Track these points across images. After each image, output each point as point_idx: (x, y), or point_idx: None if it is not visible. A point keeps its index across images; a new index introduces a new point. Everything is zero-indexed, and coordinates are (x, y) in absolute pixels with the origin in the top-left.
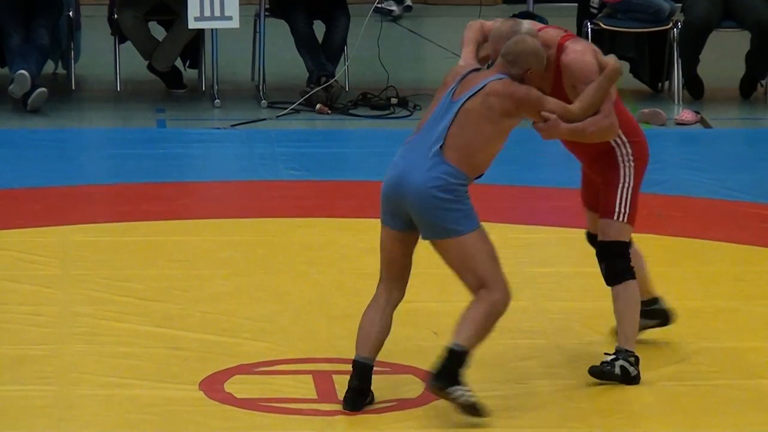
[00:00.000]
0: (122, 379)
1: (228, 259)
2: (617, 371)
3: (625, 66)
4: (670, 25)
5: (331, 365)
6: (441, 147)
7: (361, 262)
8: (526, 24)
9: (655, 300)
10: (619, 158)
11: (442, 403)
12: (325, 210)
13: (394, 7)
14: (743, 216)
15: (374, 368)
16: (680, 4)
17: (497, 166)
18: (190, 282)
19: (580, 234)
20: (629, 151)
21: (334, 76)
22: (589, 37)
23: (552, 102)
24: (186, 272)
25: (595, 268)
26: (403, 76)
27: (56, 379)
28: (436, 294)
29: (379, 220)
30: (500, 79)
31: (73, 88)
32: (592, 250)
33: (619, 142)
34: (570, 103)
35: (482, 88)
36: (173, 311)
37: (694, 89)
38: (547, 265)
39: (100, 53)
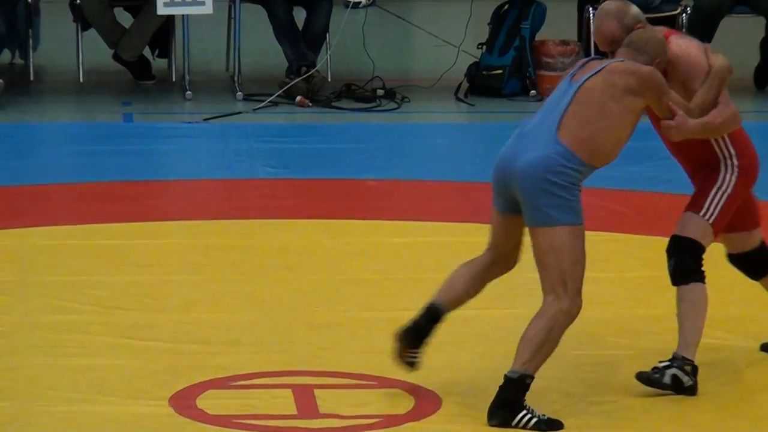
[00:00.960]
0: (85, 395)
1: (201, 264)
2: (667, 380)
3: None
4: (679, 10)
5: (313, 378)
6: (557, 128)
7: (344, 267)
8: (634, 7)
9: None
10: (722, 165)
11: (434, 418)
12: (306, 210)
13: None
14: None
15: (360, 383)
16: None
17: (491, 162)
18: (160, 289)
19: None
20: (735, 163)
21: (316, 66)
22: (591, 24)
23: (674, 94)
24: (155, 278)
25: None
26: (390, 66)
27: (13, 394)
28: (424, 301)
29: (366, 222)
30: (623, 61)
31: (32, 79)
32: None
33: (726, 154)
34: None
35: (604, 67)
36: (141, 320)
37: None
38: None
39: (62, 41)
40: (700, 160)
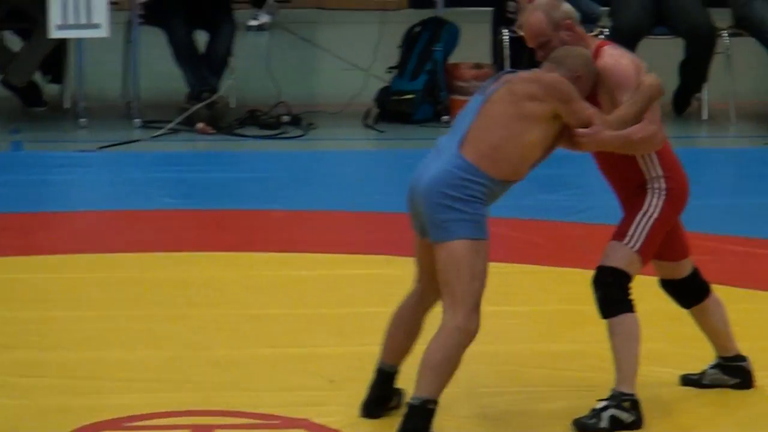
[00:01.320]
0: None
1: (94, 299)
2: (604, 424)
3: None
4: (597, 31)
5: (213, 418)
6: (460, 143)
7: (246, 302)
8: (567, 4)
9: (739, 357)
10: (650, 189)
11: None
12: (208, 243)
13: (265, 19)
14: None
15: (262, 422)
16: (607, 8)
17: (401, 192)
18: (49, 325)
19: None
20: (663, 186)
21: (218, 92)
22: (506, 46)
23: (588, 105)
24: (44, 314)
25: (525, 307)
26: (296, 91)
27: None
28: (331, 337)
29: (270, 254)
30: (533, 70)
31: None
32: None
33: (654, 175)
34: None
35: (512, 78)
36: (28, 358)
37: None
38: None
39: None
40: (627, 182)
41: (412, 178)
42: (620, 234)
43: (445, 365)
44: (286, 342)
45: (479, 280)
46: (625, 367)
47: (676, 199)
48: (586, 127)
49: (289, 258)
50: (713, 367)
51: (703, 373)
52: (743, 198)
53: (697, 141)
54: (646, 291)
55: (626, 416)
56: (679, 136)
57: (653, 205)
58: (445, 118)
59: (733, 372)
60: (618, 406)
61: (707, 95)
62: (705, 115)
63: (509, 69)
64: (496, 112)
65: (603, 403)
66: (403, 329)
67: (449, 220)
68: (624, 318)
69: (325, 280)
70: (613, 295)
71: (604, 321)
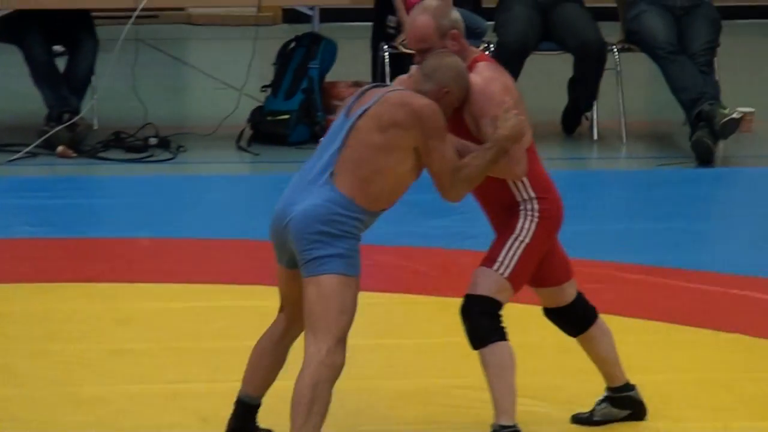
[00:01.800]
0: None
1: None
2: None
3: None
4: (482, 47)
5: None
6: (332, 172)
7: (113, 336)
8: (457, 13)
9: (628, 386)
10: (522, 211)
11: None
12: (69, 273)
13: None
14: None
15: None
16: (492, 23)
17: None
18: None
19: (376, 299)
20: (535, 207)
21: (80, 113)
22: (386, 63)
23: (449, 146)
24: None
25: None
26: (165, 112)
27: None
28: (204, 373)
29: (137, 285)
30: (398, 89)
31: None
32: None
33: (526, 196)
34: (465, 129)
35: (378, 99)
36: None
37: None
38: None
39: None
40: (498, 205)
41: (277, 206)
42: (489, 259)
43: (317, 405)
44: (156, 378)
45: (347, 314)
46: (501, 399)
47: (549, 222)
48: (440, 168)
49: (158, 289)
50: (602, 401)
51: (593, 410)
52: (635, 223)
53: (587, 162)
54: (534, 321)
55: None
56: (568, 158)
57: (525, 228)
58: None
59: (622, 403)
60: None
61: (597, 114)
62: (595, 135)
63: (373, 83)
64: (364, 142)
65: None
66: (267, 360)
67: (322, 257)
68: (495, 347)
69: (197, 312)
70: (482, 324)
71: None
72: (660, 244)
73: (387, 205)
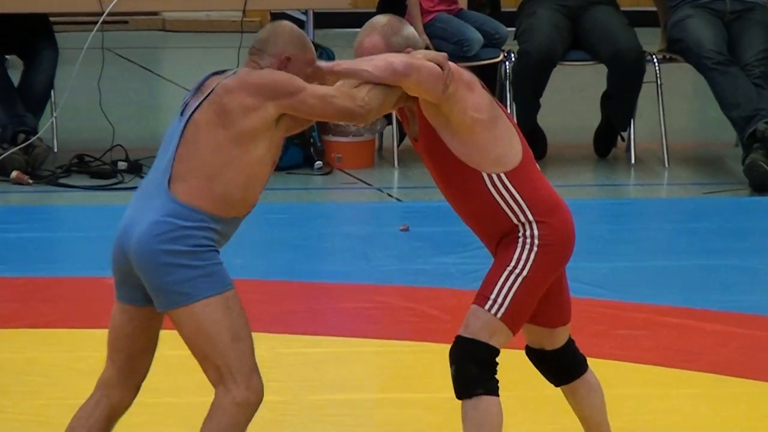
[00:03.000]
0: None
1: None
2: None
3: None
4: (501, 57)
5: None
6: (169, 180)
7: (76, 388)
8: (409, 27)
9: None
10: (520, 238)
11: None
12: (24, 318)
13: None
14: (598, 319)
15: None
16: (513, 29)
17: (263, 254)
18: None
19: (381, 347)
20: (535, 233)
21: (37, 133)
22: None
23: (317, 86)
24: None
25: (419, 394)
26: (135, 132)
27: None
28: (195, 387)
29: (98, 331)
30: (236, 72)
31: None
32: (416, 369)
33: (524, 220)
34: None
35: (214, 90)
36: None
37: (534, 145)
38: (338, 389)
39: None
40: (492, 231)
41: (117, 232)
42: (481, 297)
43: None
44: None
45: (243, 339)
46: None
47: (551, 249)
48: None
49: None
50: None
51: None
52: (679, 259)
53: (623, 190)
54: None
55: None
56: (602, 184)
57: (522, 259)
58: (318, 163)
59: None
60: None
61: (634, 134)
62: (633, 159)
63: (211, 72)
64: (206, 138)
65: None
66: None
67: (180, 282)
68: (479, 402)
69: (174, 362)
70: (469, 372)
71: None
72: (707, 284)
73: (242, 208)
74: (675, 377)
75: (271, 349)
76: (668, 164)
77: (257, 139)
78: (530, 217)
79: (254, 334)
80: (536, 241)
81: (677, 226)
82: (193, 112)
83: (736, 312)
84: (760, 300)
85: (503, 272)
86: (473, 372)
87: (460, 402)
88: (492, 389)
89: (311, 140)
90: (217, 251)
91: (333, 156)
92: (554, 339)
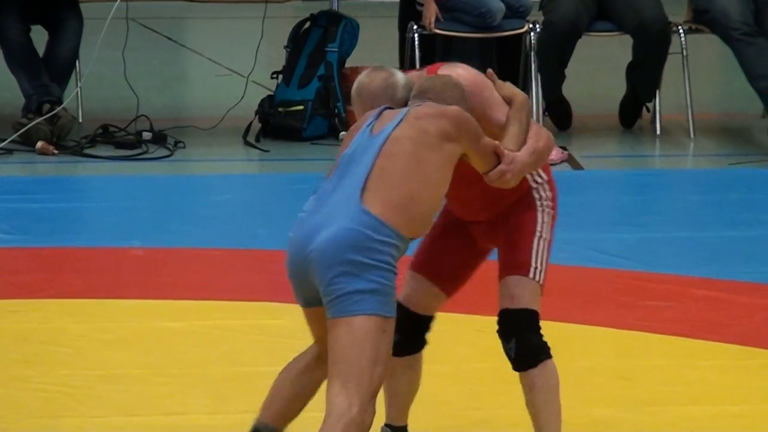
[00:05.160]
0: None
1: None
2: None
3: None
4: (525, 27)
5: None
6: (362, 192)
7: (100, 360)
8: (399, 73)
9: (405, 429)
10: (537, 201)
11: None
12: (50, 288)
13: None
14: (624, 290)
15: None
16: (537, 0)
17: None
18: None
19: None
20: (548, 194)
21: (62, 103)
22: (416, 46)
23: (486, 137)
24: None
25: (445, 366)
26: (160, 103)
27: None
28: (206, 402)
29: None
30: (424, 104)
31: None
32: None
33: (539, 180)
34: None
35: (406, 114)
36: None
37: (559, 115)
38: None
39: None
40: (504, 196)
41: (293, 237)
42: (522, 266)
43: None
44: (151, 409)
45: (382, 366)
46: (548, 425)
47: (555, 213)
48: (493, 164)
49: (153, 306)
50: None
51: None
52: (705, 231)
53: (649, 161)
54: (584, 344)
55: None
56: (627, 155)
57: (544, 223)
58: (343, 134)
59: None
60: None
61: (660, 105)
62: (658, 130)
63: (385, 106)
64: (407, 154)
65: None
66: (294, 388)
67: (354, 292)
68: (545, 367)
69: (198, 333)
70: (533, 342)
71: (522, 374)
72: (733, 255)
73: (423, 230)
74: (701, 348)
75: (294, 320)
76: (694, 135)
77: (448, 168)
78: (544, 177)
79: (278, 305)
80: (549, 203)
81: (703, 197)
82: (392, 131)
83: (763, 283)
84: None
85: (533, 238)
86: (535, 341)
87: (484, 372)
88: (550, 353)
89: (336, 111)
90: (395, 273)
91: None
92: (438, 304)
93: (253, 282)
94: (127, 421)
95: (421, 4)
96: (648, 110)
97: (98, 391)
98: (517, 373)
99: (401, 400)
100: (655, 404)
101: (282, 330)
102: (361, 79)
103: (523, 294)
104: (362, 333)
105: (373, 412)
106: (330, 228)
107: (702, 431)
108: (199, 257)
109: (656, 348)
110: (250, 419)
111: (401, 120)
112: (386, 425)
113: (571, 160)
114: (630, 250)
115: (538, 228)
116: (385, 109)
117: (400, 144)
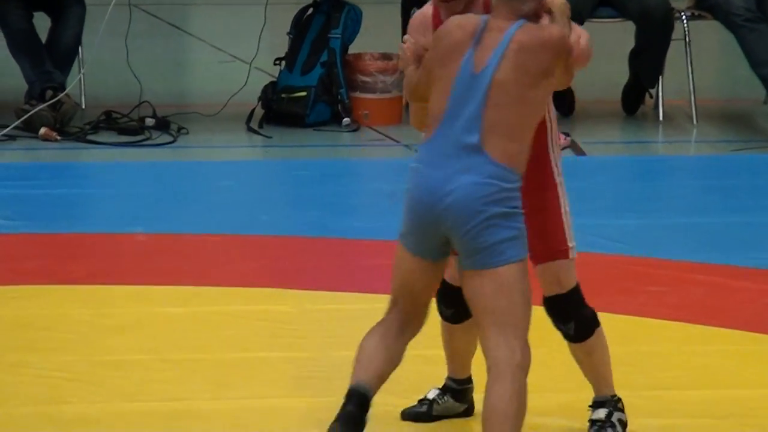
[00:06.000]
0: None
1: None
2: (620, 430)
3: None
4: None
5: None
6: (481, 141)
7: (103, 346)
8: None
9: (469, 380)
10: (557, 178)
11: None
12: (53, 274)
13: None
14: (625, 276)
15: None
16: None
17: (291, 210)
18: None
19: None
20: (560, 167)
21: (65, 89)
22: None
23: (565, 29)
24: None
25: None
26: (163, 89)
27: None
28: (209, 389)
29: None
30: (521, 26)
31: None
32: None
33: (556, 151)
34: None
35: (509, 44)
36: None
37: (562, 101)
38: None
39: None
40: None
41: (416, 189)
42: (562, 251)
43: (521, 414)
44: (154, 395)
45: (530, 305)
46: (608, 373)
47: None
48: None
49: (155, 292)
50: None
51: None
52: (707, 216)
53: (651, 147)
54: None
55: (624, 416)
56: (630, 141)
57: (566, 202)
58: (346, 120)
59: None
60: (618, 409)
61: (663, 91)
62: (661, 116)
63: (485, 17)
64: (515, 99)
65: (604, 411)
66: (389, 353)
67: (499, 242)
68: (600, 333)
69: (200, 319)
70: (585, 318)
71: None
72: (736, 241)
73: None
74: (702, 334)
75: (297, 305)
76: (696, 121)
77: (548, 98)
78: (558, 151)
79: (279, 290)
80: (561, 170)
81: (705, 183)
82: (495, 73)
83: (765, 269)
84: None
85: (561, 219)
86: (587, 314)
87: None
88: (598, 318)
89: (339, 97)
90: (523, 214)
91: (360, 113)
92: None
93: (255, 268)
94: (129, 407)
95: None
96: (651, 96)
97: (100, 377)
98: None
99: (462, 357)
100: (656, 388)
101: (284, 316)
102: None
103: (568, 277)
104: (511, 280)
105: (530, 352)
106: (460, 180)
107: (703, 416)
108: (202, 243)
109: (657, 333)
110: (251, 405)
111: (502, 55)
112: (449, 378)
113: (574, 146)
114: (632, 236)
115: (563, 209)
116: (485, 28)
117: (506, 89)
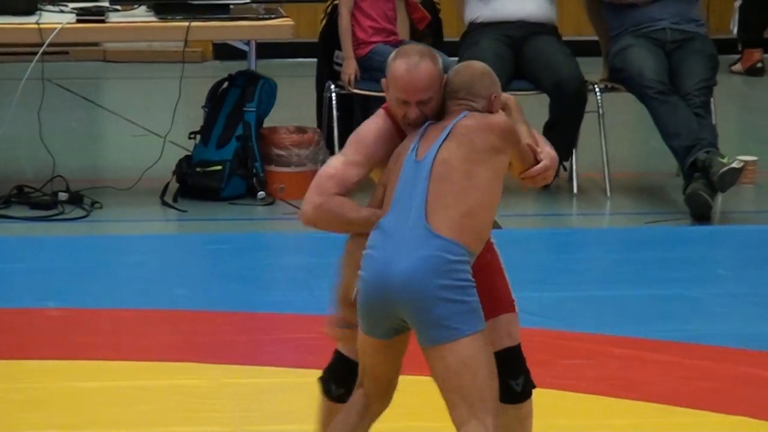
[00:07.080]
0: None
1: None
2: None
3: None
4: None
5: None
6: (426, 217)
7: (15, 420)
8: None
9: None
10: (494, 242)
11: None
12: None
13: None
14: (541, 348)
15: None
16: (455, 58)
17: (206, 285)
18: None
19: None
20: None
21: None
22: (333, 105)
23: (522, 131)
24: None
25: None
26: (76, 163)
27: None
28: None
29: (44, 362)
30: (466, 115)
31: None
32: None
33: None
34: None
35: (451, 130)
36: None
37: None
38: (281, 421)
39: None
40: None
41: (368, 274)
42: (509, 303)
43: None
44: None
45: (495, 375)
46: None
47: None
48: (530, 162)
49: (70, 366)
50: None
51: None
52: (622, 289)
53: (566, 220)
54: None
55: None
56: (544, 214)
57: (500, 256)
58: (261, 194)
59: None
60: None
61: (576, 163)
62: (575, 188)
63: (427, 123)
64: (460, 173)
65: None
66: None
67: (450, 316)
68: (531, 395)
69: (115, 394)
70: (528, 373)
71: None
72: (650, 314)
73: (482, 245)
74: (619, 407)
75: (214, 380)
76: (610, 194)
77: (499, 181)
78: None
79: (196, 365)
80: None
81: (620, 255)
82: (437, 152)
83: (679, 341)
84: (702, 329)
85: (504, 274)
86: (527, 370)
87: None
88: None
89: (254, 171)
90: (475, 285)
91: (275, 186)
92: None
93: (170, 342)
94: None
95: (339, 64)
96: (565, 169)
97: None
98: None
99: None
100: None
101: (199, 390)
102: (404, 48)
103: (516, 329)
104: (472, 353)
105: (497, 424)
106: (408, 258)
107: None
108: (116, 318)
109: (574, 407)
110: None
111: (446, 137)
112: None
113: None
114: (547, 309)
115: (501, 262)
116: (428, 127)
117: (450, 164)
